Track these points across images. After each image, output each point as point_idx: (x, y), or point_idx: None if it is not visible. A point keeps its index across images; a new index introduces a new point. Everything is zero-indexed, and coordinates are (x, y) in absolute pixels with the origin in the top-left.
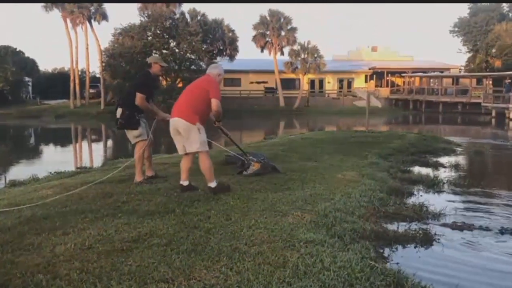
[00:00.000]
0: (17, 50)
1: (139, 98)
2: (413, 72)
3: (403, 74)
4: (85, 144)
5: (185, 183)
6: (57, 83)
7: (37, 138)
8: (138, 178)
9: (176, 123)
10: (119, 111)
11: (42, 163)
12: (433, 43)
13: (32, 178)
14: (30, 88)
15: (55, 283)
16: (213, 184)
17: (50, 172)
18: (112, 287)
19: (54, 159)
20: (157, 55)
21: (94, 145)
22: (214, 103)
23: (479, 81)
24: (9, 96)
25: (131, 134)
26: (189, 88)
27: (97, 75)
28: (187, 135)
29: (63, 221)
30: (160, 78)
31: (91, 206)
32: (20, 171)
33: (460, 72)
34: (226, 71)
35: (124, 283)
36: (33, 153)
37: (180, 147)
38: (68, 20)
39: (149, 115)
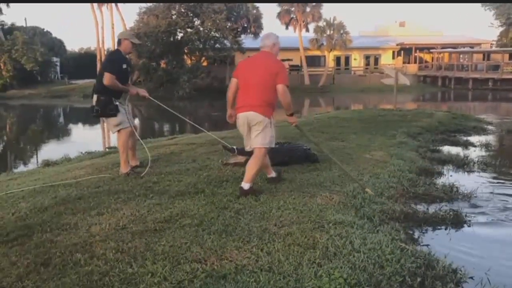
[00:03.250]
0: (45, 30)
1: (107, 77)
2: (442, 48)
3: (431, 50)
4: None
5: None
6: (84, 63)
7: (66, 117)
8: (123, 169)
9: (251, 117)
10: (94, 97)
11: (73, 143)
12: (463, 18)
13: (64, 158)
14: (58, 68)
15: (92, 262)
16: (246, 186)
17: (81, 152)
18: (147, 267)
19: (84, 138)
20: (128, 31)
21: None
22: (280, 89)
23: None
24: (38, 76)
25: (110, 123)
26: (258, 74)
27: None
28: (259, 129)
29: (97, 202)
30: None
31: (123, 186)
32: (52, 151)
33: (491, 47)
34: (251, 49)
35: (159, 263)
36: (63, 133)
37: (248, 142)
38: (94, 2)
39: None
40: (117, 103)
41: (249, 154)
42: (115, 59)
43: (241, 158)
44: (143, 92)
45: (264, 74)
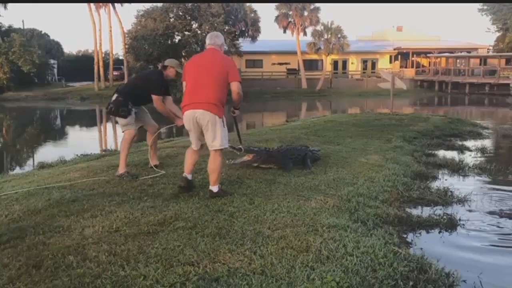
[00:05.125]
0: (42, 32)
1: (156, 100)
2: (439, 53)
3: (428, 55)
4: (109, 126)
5: (189, 176)
6: (81, 66)
7: (63, 120)
8: (120, 169)
9: (201, 116)
10: (114, 96)
11: (69, 145)
12: (460, 23)
13: (59, 160)
14: (55, 70)
15: (84, 264)
16: (215, 189)
17: (77, 155)
18: (140, 270)
19: (80, 141)
20: (176, 61)
21: (118, 127)
22: (236, 87)
23: (508, 61)
24: (36, 78)
25: (120, 122)
26: (210, 74)
27: (121, 58)
28: (213, 130)
29: (91, 204)
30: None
31: (118, 189)
32: (48, 153)
33: (488, 52)
34: (248, 53)
35: (151, 265)
36: (60, 135)
37: (196, 142)
38: (91, 3)
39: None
40: (131, 107)
41: (256, 152)
42: (162, 82)
43: (248, 157)
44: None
45: (214, 70)
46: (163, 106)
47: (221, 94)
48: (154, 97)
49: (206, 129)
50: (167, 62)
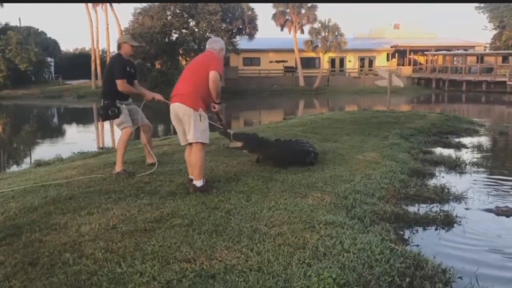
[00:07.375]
0: (39, 30)
1: (120, 84)
2: (436, 50)
3: (425, 52)
4: (106, 124)
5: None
6: (78, 64)
7: (60, 117)
8: (117, 167)
9: (177, 109)
10: (101, 102)
11: (66, 143)
12: (457, 20)
13: (56, 158)
14: (52, 68)
15: (81, 261)
16: (199, 183)
17: (74, 152)
18: (136, 267)
19: (77, 139)
20: (127, 35)
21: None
22: (212, 75)
23: (505, 59)
24: (32, 76)
25: (115, 122)
26: (191, 68)
27: None
28: (188, 123)
29: (87, 202)
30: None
31: (114, 186)
32: (45, 151)
33: (485, 50)
34: (245, 51)
35: (148, 262)
36: (57, 133)
37: (182, 138)
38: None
39: (136, 98)
40: (119, 104)
41: (245, 138)
42: (121, 64)
43: (239, 144)
44: (159, 96)
45: (195, 63)
46: (128, 86)
47: (198, 85)
48: (117, 81)
49: (183, 122)
50: (119, 39)
